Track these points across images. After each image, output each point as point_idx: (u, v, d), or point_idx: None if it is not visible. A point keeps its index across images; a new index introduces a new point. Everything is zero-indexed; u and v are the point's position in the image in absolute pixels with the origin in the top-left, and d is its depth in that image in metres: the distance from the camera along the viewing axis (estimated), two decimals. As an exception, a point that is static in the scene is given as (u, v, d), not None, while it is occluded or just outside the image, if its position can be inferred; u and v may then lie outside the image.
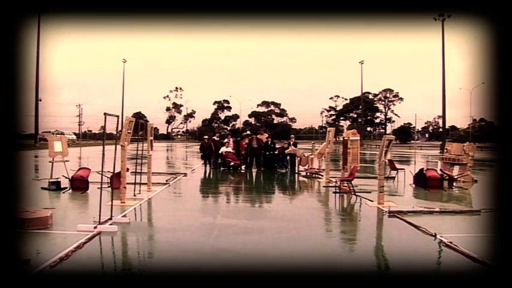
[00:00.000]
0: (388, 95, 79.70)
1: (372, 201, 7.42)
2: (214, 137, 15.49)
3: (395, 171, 11.54)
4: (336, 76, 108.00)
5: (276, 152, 14.73)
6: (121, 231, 4.99)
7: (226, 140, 15.15)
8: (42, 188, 8.48)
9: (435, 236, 4.82)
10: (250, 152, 14.25)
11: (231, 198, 8.46)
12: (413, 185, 9.72)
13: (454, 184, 9.68)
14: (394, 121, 79.44)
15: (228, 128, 77.16)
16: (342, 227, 5.72)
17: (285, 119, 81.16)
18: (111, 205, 5.68)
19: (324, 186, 9.93)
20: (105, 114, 5.44)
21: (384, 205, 6.92)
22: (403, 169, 11.68)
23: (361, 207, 7.11)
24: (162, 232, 5.13)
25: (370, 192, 8.51)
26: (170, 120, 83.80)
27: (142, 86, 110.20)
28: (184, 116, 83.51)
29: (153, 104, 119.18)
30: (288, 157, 14.37)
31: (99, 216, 5.12)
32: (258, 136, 14.87)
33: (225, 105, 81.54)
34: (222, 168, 14.24)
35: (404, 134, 71.56)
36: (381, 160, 7.32)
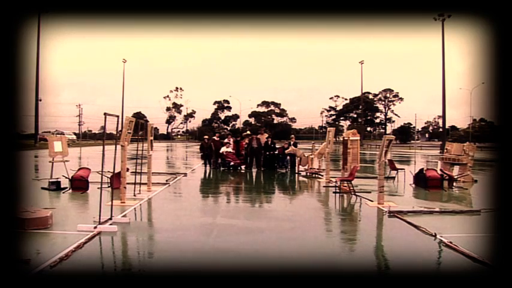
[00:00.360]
0: (388, 95, 79.70)
1: (372, 201, 7.42)
2: (214, 137, 15.51)
3: (396, 171, 11.55)
4: (336, 76, 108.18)
5: (276, 152, 14.73)
6: (121, 231, 5.00)
7: (226, 140, 15.16)
8: (42, 188, 8.49)
9: (435, 236, 4.83)
10: (250, 152, 14.27)
11: (231, 198, 8.47)
12: (413, 185, 9.73)
13: (454, 184, 9.68)
14: (394, 121, 79.49)
15: (228, 128, 77.16)
16: (342, 227, 5.73)
17: (285, 119, 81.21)
18: (111, 205, 5.68)
19: (324, 186, 9.93)
20: (105, 114, 5.45)
21: (384, 205, 6.93)
22: (403, 169, 11.70)
23: (361, 207, 7.12)
24: (162, 232, 5.14)
25: (370, 192, 8.52)
26: (170, 120, 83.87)
27: (142, 86, 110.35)
28: (184, 116, 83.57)
29: (153, 104, 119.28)
30: (288, 157, 14.39)
31: (99, 216, 5.13)
32: (258, 136, 14.88)
33: (225, 105, 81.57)
34: (222, 168, 14.26)
35: (405, 134, 71.55)
36: (381, 160, 7.33)
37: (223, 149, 14.37)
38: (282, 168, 14.35)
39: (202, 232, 5.09)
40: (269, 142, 14.58)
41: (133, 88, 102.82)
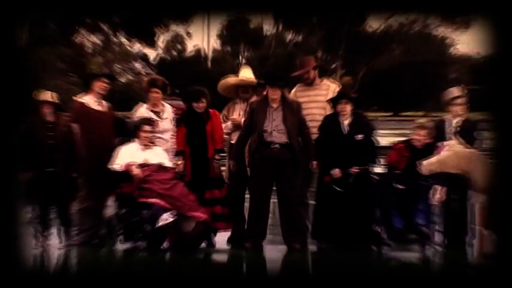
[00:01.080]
0: None
1: None
2: (87, 101, 9.32)
3: None
4: None
5: (383, 169, 9.55)
6: None
7: (139, 114, 9.17)
8: None
9: None
10: (255, 165, 8.70)
11: None
12: None
13: None
14: None
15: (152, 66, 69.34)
16: None
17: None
18: None
19: None
20: None
21: None
22: None
23: None
24: None
25: None
26: None
27: None
28: None
29: None
30: (440, 190, 8.65)
31: None
32: (293, 94, 8.99)
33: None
34: (128, 245, 8.83)
35: None
36: None
37: (124, 160, 8.30)
38: (400, 239, 8.84)
39: None
40: (351, 119, 8.98)
41: None
